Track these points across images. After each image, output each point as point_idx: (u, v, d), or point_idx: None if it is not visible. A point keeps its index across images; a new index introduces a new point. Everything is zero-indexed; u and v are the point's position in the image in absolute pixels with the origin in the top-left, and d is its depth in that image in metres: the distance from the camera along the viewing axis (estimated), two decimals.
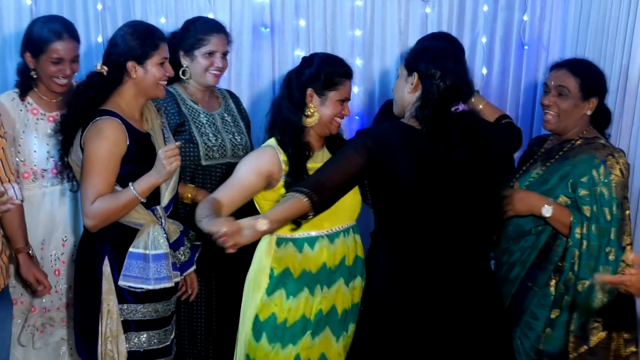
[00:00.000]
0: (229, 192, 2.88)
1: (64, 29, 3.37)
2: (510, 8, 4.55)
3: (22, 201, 3.12)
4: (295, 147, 2.96)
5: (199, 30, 3.58)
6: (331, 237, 3.02)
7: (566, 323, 3.13)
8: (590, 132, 3.29)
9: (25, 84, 3.40)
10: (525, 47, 4.60)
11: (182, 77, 3.61)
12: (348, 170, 2.74)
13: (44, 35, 3.32)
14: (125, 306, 3.07)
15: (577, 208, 3.14)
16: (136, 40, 3.03)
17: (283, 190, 2.90)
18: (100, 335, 3.06)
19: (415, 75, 2.83)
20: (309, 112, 2.98)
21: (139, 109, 3.14)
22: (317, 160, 2.99)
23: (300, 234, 2.98)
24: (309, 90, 2.97)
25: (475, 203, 2.82)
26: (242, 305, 3.09)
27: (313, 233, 2.99)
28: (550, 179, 3.24)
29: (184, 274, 3.23)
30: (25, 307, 3.48)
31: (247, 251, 2.86)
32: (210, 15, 4.12)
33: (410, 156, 2.74)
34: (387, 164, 2.73)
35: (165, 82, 3.16)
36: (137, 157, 3.05)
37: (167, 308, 3.17)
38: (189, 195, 3.48)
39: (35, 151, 3.39)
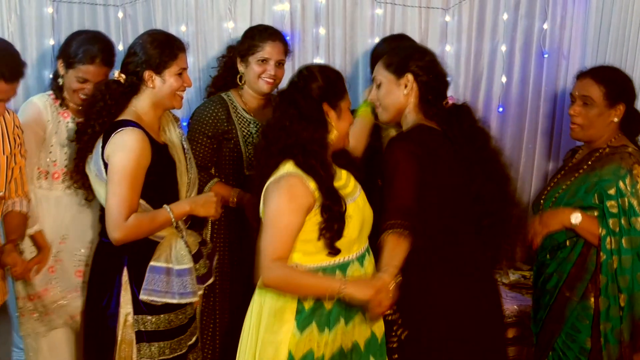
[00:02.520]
0: (285, 245, 2.66)
1: (100, 53, 3.34)
2: (530, 16, 4.54)
3: (25, 213, 3.22)
4: (325, 168, 2.71)
5: (255, 37, 3.60)
6: (360, 259, 2.80)
7: (620, 333, 3.16)
8: (619, 140, 3.26)
9: (59, 86, 3.43)
10: (545, 56, 4.58)
11: (238, 83, 3.64)
12: (414, 181, 2.75)
13: (79, 55, 3.31)
14: (140, 317, 3.03)
15: (605, 219, 3.15)
16: (155, 50, 3.01)
17: (318, 217, 2.68)
18: (116, 343, 3.04)
19: (410, 76, 2.88)
20: (330, 129, 2.76)
21: (157, 120, 3.13)
22: (338, 178, 2.79)
23: (332, 261, 2.73)
24: (325, 106, 2.74)
25: (495, 190, 2.91)
26: (246, 338, 2.81)
27: (346, 258, 2.75)
28: (578, 191, 3.24)
29: (204, 285, 3.21)
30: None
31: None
32: (231, 24, 4.15)
33: (443, 155, 2.84)
34: (430, 166, 2.78)
35: (183, 93, 3.14)
36: (158, 169, 3.02)
37: (182, 316, 3.13)
38: (234, 199, 3.51)
39: (65, 152, 3.40)
